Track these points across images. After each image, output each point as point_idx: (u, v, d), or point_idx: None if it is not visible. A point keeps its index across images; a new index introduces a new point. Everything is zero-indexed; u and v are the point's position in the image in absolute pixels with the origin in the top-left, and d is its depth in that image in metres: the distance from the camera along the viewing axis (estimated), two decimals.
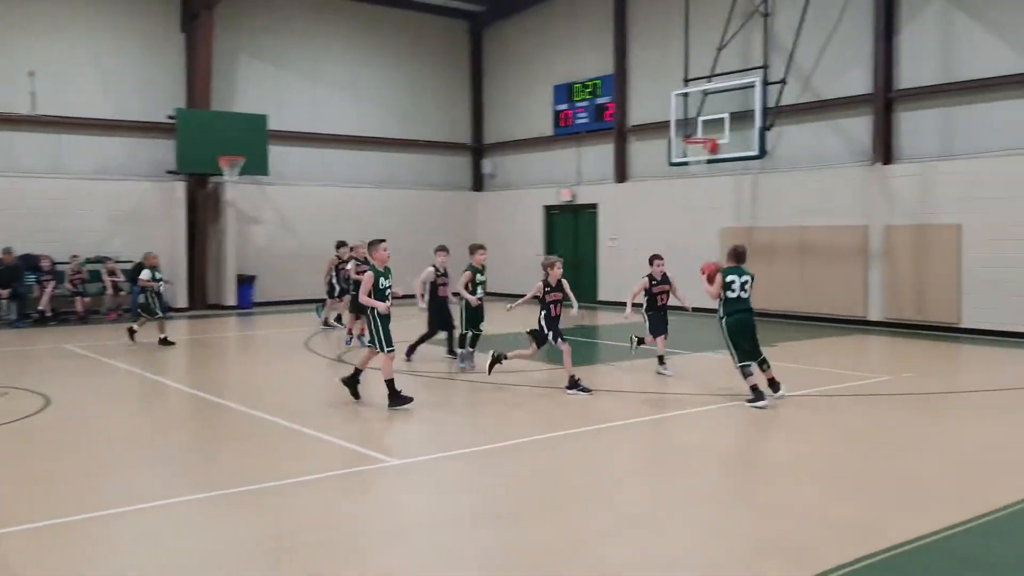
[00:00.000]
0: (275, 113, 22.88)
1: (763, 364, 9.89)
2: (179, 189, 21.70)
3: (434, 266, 12.89)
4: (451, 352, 13.03)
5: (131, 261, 19.73)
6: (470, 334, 12.42)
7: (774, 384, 9.85)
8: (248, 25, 23.20)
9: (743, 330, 9.81)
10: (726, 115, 17.79)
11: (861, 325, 17.59)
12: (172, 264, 20.76)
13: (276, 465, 7.39)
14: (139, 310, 15.63)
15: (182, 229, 21.71)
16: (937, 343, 15.32)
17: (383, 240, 10.06)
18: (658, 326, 11.84)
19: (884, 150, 17.52)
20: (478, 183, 27.51)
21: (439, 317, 12.89)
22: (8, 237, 18.89)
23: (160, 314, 15.22)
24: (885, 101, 17.47)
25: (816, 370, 12.35)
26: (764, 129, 17.13)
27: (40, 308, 18.59)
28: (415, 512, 6.31)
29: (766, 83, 17.17)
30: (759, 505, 6.47)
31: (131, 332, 15.16)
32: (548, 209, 25.26)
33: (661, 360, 11.84)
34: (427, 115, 26.37)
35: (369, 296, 9.59)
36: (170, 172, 21.51)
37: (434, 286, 12.87)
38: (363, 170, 25.16)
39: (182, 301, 21.50)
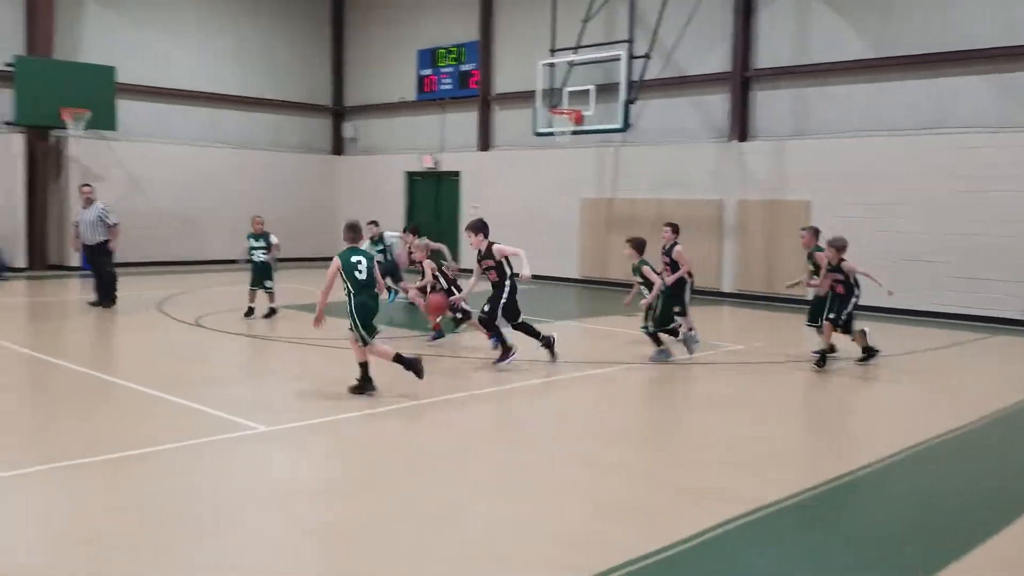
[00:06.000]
0: (123, 64, 21.60)
1: None
2: (17, 142, 20.35)
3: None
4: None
5: None
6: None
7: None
8: None
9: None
10: (592, 87, 18.02)
11: (715, 296, 18.29)
12: (8, 222, 19.68)
13: (137, 432, 7.03)
14: None
15: (20, 185, 20.42)
16: (786, 315, 16.08)
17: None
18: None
19: (740, 127, 18.17)
20: (338, 147, 26.90)
21: None
22: None
23: None
24: (742, 80, 18.09)
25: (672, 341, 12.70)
26: (628, 103, 17.44)
27: None
28: (282, 480, 6.14)
29: (631, 57, 17.46)
30: (608, 469, 6.57)
31: None
32: (410, 175, 24.99)
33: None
34: (286, 74, 25.55)
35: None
36: (7, 123, 20.15)
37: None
38: (217, 129, 24.16)
39: (21, 261, 20.37)
